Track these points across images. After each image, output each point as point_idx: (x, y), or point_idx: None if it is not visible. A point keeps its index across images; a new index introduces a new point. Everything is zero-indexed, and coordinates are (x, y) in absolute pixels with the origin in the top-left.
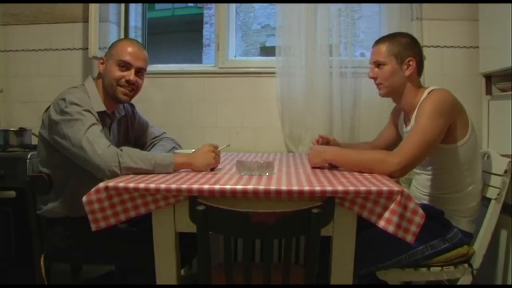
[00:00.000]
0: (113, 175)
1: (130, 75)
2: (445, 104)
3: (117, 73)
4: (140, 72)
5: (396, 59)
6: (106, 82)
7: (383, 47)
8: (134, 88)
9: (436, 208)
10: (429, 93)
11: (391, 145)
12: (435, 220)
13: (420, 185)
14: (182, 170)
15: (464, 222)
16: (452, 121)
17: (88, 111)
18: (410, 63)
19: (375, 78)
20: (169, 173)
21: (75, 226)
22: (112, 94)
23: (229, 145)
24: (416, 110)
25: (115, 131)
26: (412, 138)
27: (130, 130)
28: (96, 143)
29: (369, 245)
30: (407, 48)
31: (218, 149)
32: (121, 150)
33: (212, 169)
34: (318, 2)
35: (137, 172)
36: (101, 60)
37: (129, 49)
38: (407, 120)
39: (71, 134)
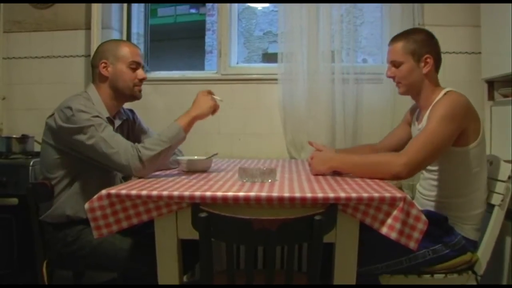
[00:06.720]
0: (137, 168)
1: (142, 73)
2: (459, 109)
3: (132, 74)
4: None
5: (413, 57)
6: (120, 84)
7: (399, 46)
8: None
9: (440, 214)
10: (445, 94)
11: (402, 145)
12: (439, 226)
13: (425, 188)
14: (184, 176)
15: (468, 230)
16: (464, 127)
17: (97, 116)
18: (428, 60)
19: (393, 77)
20: (183, 138)
21: (78, 233)
22: (129, 94)
23: (216, 154)
24: (429, 109)
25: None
26: (420, 139)
27: (131, 135)
28: (115, 142)
29: (369, 244)
30: (423, 45)
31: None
32: (136, 144)
33: (214, 112)
34: (320, 2)
35: (159, 158)
36: (103, 64)
37: (133, 50)
38: (420, 118)
39: (86, 139)
